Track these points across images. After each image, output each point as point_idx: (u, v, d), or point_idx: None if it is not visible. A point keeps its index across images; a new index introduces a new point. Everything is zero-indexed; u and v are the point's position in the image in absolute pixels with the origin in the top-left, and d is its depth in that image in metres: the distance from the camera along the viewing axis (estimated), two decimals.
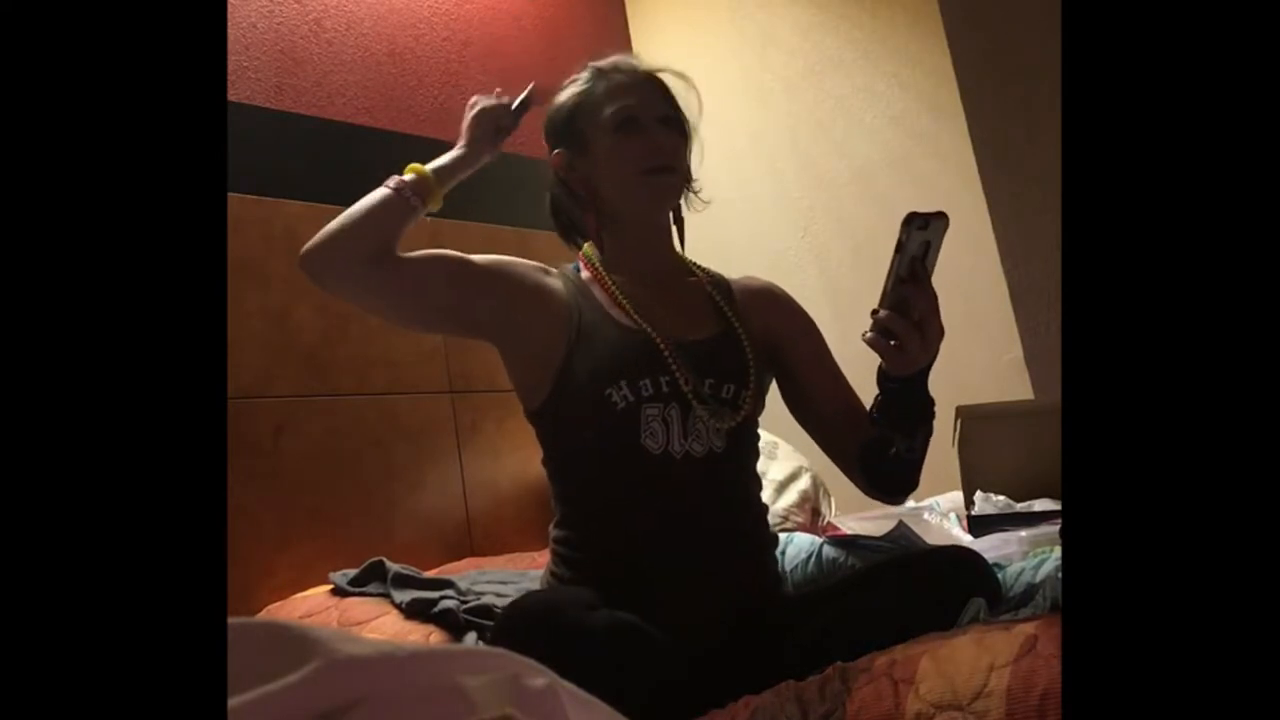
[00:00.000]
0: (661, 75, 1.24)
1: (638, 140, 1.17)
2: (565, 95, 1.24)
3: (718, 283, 1.30)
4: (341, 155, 2.13)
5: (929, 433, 1.11)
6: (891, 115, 2.40)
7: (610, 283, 1.20)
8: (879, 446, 1.14)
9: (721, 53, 2.74)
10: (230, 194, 1.85)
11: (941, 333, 1.02)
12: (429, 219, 2.21)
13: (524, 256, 1.22)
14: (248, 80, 2.04)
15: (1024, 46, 2.24)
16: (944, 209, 0.97)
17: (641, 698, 0.79)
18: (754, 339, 1.23)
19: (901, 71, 2.39)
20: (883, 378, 1.06)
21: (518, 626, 0.94)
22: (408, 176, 1.18)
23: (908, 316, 1.00)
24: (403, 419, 2.01)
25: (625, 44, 2.93)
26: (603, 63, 1.25)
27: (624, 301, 1.18)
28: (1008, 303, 2.19)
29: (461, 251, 1.20)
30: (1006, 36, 2.30)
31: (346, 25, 2.25)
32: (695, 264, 1.31)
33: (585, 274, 1.24)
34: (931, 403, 1.09)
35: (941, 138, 2.31)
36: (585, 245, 1.27)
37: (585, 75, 1.24)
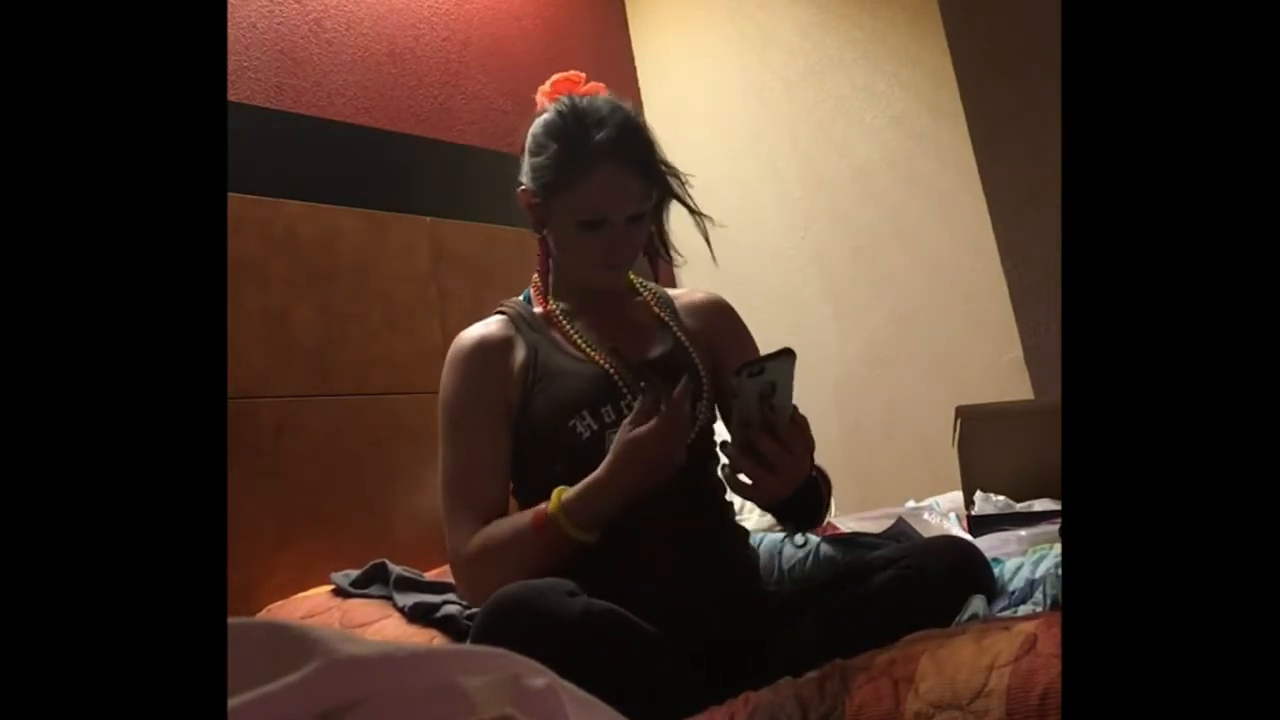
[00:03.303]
0: (639, 137, 1.18)
1: (599, 241, 1.18)
2: (544, 137, 1.19)
3: (662, 300, 1.33)
4: (341, 155, 2.13)
5: (825, 491, 1.21)
6: (891, 115, 2.40)
7: (565, 323, 1.24)
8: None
9: (721, 53, 2.74)
10: (230, 194, 1.85)
11: (802, 462, 1.05)
12: (429, 219, 2.23)
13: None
14: (248, 80, 2.04)
15: (1024, 46, 2.24)
16: (789, 346, 1.01)
17: (620, 683, 0.79)
18: (700, 350, 1.28)
19: (901, 71, 2.39)
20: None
21: (497, 615, 0.95)
22: (554, 517, 1.08)
23: (758, 459, 1.02)
24: (403, 419, 2.00)
25: (625, 44, 2.93)
26: (587, 112, 1.17)
27: (579, 340, 1.22)
28: (1008, 303, 2.19)
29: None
30: (1006, 36, 2.30)
31: (346, 25, 2.25)
32: (640, 282, 1.35)
33: (538, 307, 1.27)
34: (818, 495, 1.17)
35: (941, 138, 2.31)
36: (536, 275, 1.30)
37: (564, 130, 1.17)
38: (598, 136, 1.15)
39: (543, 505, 1.10)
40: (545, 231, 1.25)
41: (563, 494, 1.09)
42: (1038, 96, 2.16)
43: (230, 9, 2.03)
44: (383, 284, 2.05)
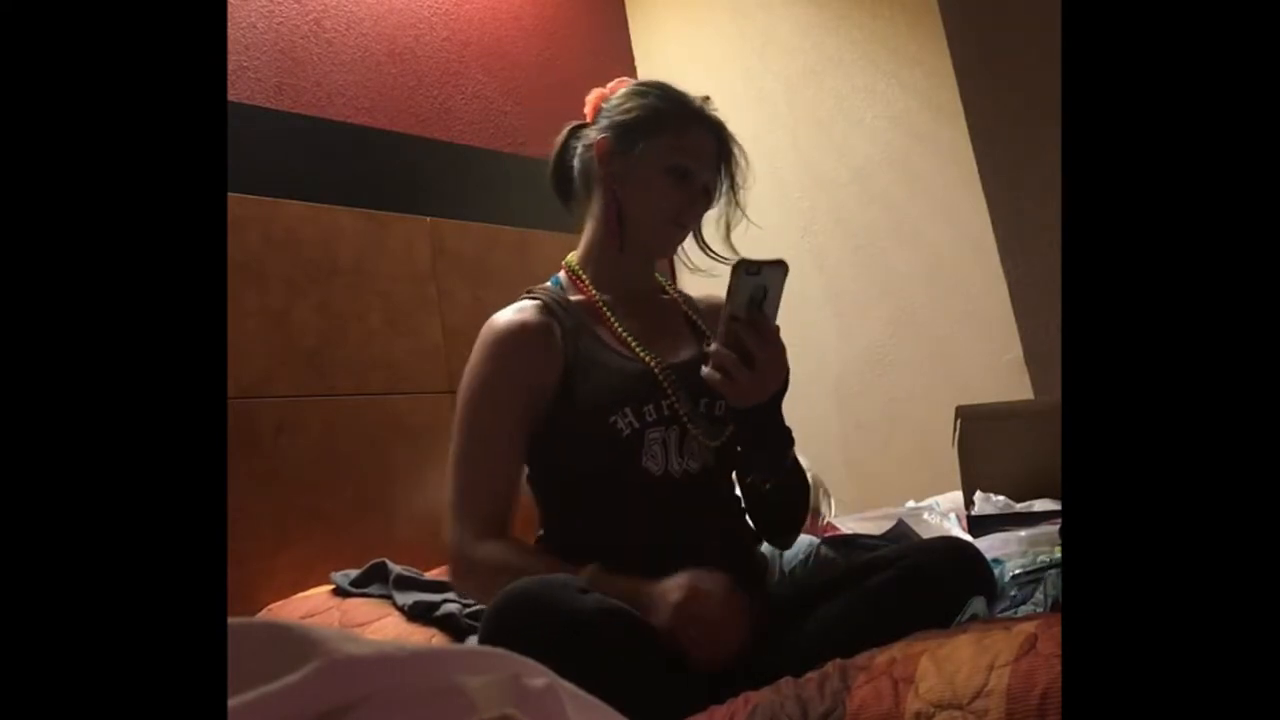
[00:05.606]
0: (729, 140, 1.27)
1: (681, 194, 1.23)
2: (638, 94, 1.25)
3: (689, 302, 1.35)
4: (341, 155, 2.13)
5: (791, 474, 1.19)
6: (891, 115, 2.40)
7: (609, 315, 1.23)
8: (742, 477, 1.23)
9: (721, 53, 2.74)
10: (230, 194, 1.85)
11: (780, 372, 1.08)
12: (429, 219, 2.23)
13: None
14: (248, 80, 2.04)
15: (1024, 46, 2.24)
16: (782, 258, 1.04)
17: (629, 680, 0.79)
18: None
19: (901, 71, 2.39)
20: (730, 409, 1.13)
21: (509, 610, 0.95)
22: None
23: (740, 353, 1.05)
24: (403, 419, 2.01)
25: (625, 44, 2.93)
26: (688, 95, 1.25)
27: (624, 334, 1.22)
28: (1008, 303, 2.19)
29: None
30: (1006, 36, 2.30)
31: (346, 25, 2.25)
32: (666, 282, 1.36)
33: (575, 295, 1.25)
34: (787, 441, 1.16)
35: (941, 138, 2.31)
36: (570, 256, 1.30)
37: (663, 90, 1.25)
38: (697, 103, 1.25)
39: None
40: (615, 186, 1.23)
41: (595, 576, 1.04)
42: (1038, 96, 2.16)
43: (230, 9, 2.03)
44: (382, 284, 2.05)
